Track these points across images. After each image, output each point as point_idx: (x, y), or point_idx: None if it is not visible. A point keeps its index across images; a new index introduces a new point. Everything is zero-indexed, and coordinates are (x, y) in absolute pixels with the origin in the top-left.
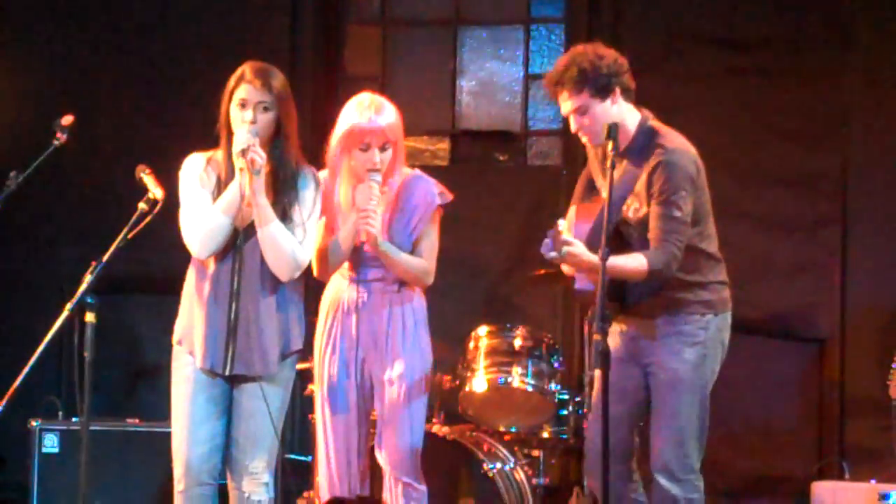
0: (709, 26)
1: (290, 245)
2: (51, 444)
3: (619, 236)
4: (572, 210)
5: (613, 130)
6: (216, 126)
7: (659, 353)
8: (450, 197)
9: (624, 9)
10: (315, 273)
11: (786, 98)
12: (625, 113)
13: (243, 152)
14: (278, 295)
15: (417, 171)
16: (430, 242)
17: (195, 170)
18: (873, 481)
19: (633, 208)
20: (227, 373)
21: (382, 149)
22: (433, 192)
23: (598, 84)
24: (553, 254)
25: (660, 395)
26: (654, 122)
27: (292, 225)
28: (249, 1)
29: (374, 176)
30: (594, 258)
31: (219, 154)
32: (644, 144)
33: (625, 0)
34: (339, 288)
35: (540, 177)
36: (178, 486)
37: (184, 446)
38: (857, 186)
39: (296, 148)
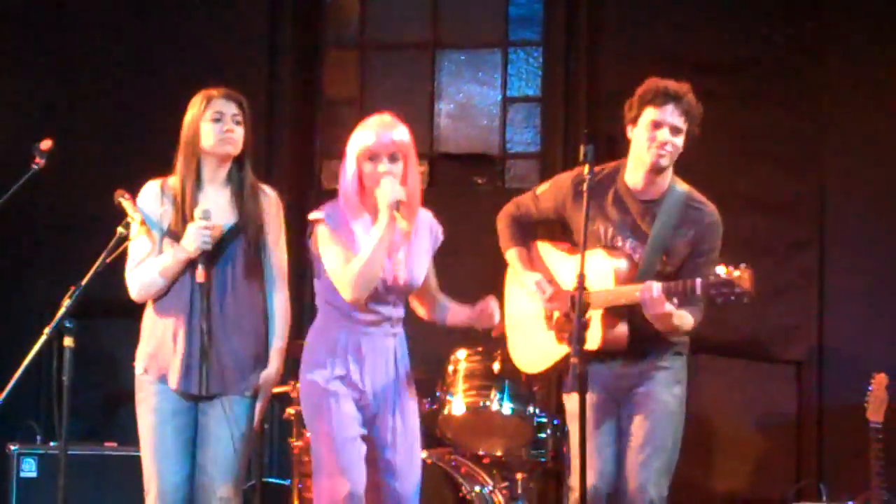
0: (686, 50)
1: None
2: (29, 468)
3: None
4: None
5: (590, 154)
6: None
7: (651, 386)
8: (442, 235)
9: (601, 32)
10: (350, 296)
11: (763, 122)
12: (671, 169)
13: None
14: (250, 314)
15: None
16: (433, 273)
17: (145, 205)
18: (851, 503)
19: (668, 266)
20: (203, 393)
21: (392, 159)
22: (434, 228)
23: (693, 129)
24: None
25: (650, 426)
26: (679, 181)
27: (266, 248)
28: (228, 25)
29: (392, 179)
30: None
31: (171, 179)
32: (676, 203)
33: (602, 24)
34: (338, 327)
35: None
36: None
37: (156, 477)
38: (834, 210)
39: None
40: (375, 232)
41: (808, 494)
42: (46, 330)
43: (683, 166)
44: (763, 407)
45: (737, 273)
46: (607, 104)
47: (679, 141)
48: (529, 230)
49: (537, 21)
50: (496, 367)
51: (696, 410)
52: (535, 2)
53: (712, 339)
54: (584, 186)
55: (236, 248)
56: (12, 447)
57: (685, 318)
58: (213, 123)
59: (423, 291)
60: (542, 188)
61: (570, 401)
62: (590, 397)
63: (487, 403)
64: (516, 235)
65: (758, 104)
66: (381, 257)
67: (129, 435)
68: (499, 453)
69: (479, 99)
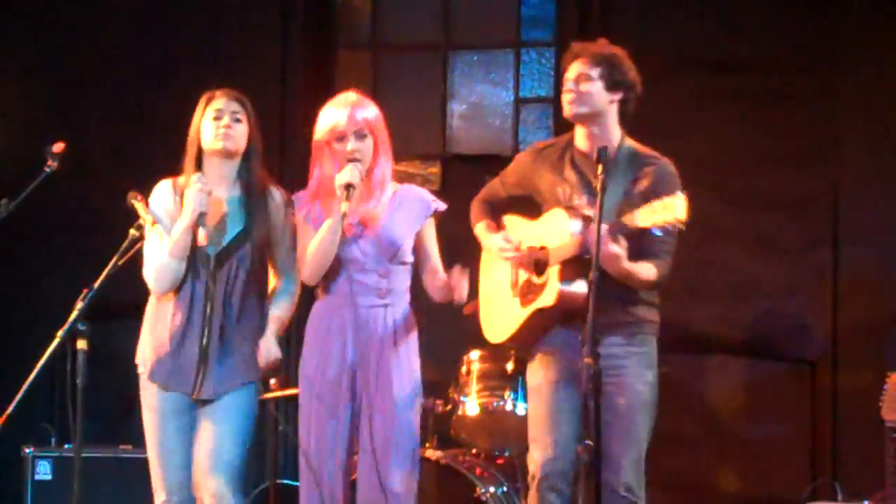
0: (699, 50)
1: None
2: (44, 471)
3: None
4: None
5: (603, 153)
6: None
7: (623, 375)
8: (443, 206)
9: (614, 32)
10: (302, 275)
11: (777, 120)
12: (611, 124)
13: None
14: (250, 318)
15: (407, 184)
16: (433, 247)
17: (159, 202)
18: (866, 502)
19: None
20: (196, 397)
21: (359, 136)
22: (426, 198)
23: (612, 75)
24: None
25: (624, 417)
26: (630, 141)
27: (277, 247)
28: (240, 26)
29: (354, 164)
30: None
31: (181, 180)
32: (627, 161)
33: (615, 23)
34: (327, 307)
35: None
36: None
37: (162, 477)
38: (847, 208)
39: (263, 169)
40: (330, 219)
41: (823, 494)
42: (59, 332)
43: (698, 163)
44: (777, 406)
45: (669, 199)
46: None
47: (589, 87)
48: (499, 210)
49: (549, 22)
50: (509, 367)
51: (710, 411)
52: (548, 2)
53: (726, 339)
54: (598, 185)
55: (243, 252)
56: (27, 450)
57: (644, 268)
58: (213, 121)
59: (420, 266)
60: (507, 169)
61: (533, 376)
62: (553, 374)
63: (501, 404)
64: (485, 213)
65: (772, 102)
66: (330, 243)
67: (143, 437)
68: (513, 454)
69: (491, 100)
